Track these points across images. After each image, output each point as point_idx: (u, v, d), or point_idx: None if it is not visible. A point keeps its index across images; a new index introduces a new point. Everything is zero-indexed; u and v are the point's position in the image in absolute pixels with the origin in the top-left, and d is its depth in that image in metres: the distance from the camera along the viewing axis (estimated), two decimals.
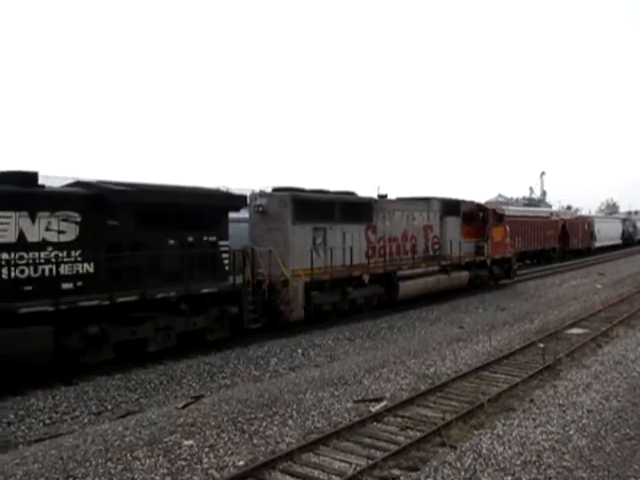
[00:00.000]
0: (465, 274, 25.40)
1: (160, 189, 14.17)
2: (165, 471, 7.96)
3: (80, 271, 12.07)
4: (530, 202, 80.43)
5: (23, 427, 9.85)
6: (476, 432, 9.23)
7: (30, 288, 11.25)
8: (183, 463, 8.21)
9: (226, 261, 15.02)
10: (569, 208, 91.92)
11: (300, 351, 15.16)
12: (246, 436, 9.17)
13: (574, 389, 11.56)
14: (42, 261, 11.49)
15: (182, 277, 13.76)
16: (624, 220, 69.12)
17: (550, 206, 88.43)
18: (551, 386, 11.73)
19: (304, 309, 17.08)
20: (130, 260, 12.75)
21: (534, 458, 8.35)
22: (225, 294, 14.91)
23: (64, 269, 11.82)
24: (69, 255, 11.91)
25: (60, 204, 11.86)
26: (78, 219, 12.09)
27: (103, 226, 12.50)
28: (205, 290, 14.32)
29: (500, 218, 28.14)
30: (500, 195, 78.11)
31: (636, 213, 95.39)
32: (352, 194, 20.51)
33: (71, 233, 12.01)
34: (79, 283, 12.02)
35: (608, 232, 58.16)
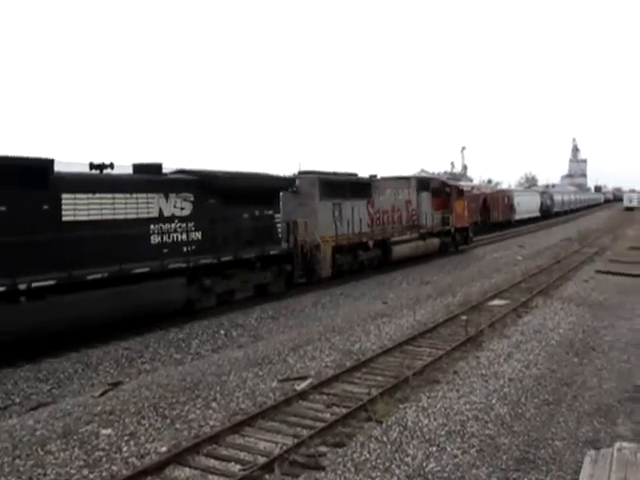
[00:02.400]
0: (437, 241, 30.72)
1: (240, 175, 18.76)
2: (81, 463, 7.75)
3: (194, 238, 16.22)
4: (452, 176, 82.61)
5: None
6: (401, 406, 9.48)
7: (167, 250, 15.35)
8: (101, 453, 8.03)
9: (279, 229, 19.46)
10: (489, 182, 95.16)
11: (223, 332, 15.08)
12: (168, 421, 9.07)
13: (496, 359, 12.05)
14: (173, 230, 15.65)
15: (256, 242, 18.24)
16: (542, 193, 71.88)
17: (471, 180, 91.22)
18: (474, 357, 12.18)
19: (331, 268, 22.09)
20: (223, 230, 17.15)
21: (458, 428, 8.68)
22: (283, 255, 19.53)
23: (186, 236, 16.02)
24: (187, 226, 16.06)
25: (181, 187, 15.97)
26: (192, 198, 16.10)
27: (206, 203, 16.55)
28: (273, 252, 18.92)
29: (461, 193, 33.90)
30: (423, 170, 79.74)
31: (553, 186, 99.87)
32: (355, 175, 25.68)
33: (187, 209, 16.03)
34: (194, 247, 16.18)
35: (527, 205, 60.41)
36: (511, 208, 54.57)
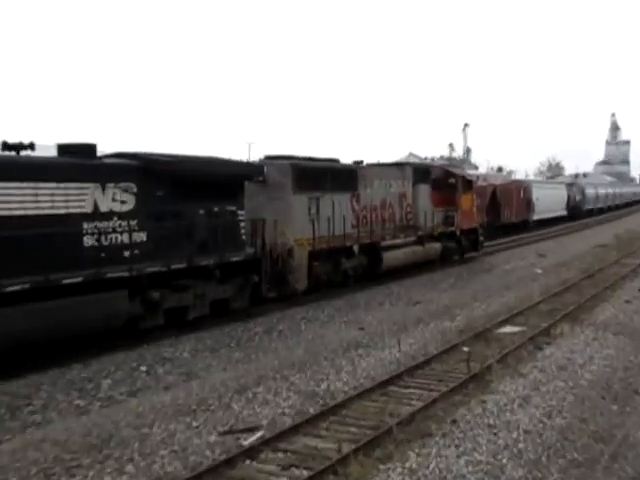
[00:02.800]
0: (438, 246, 31.06)
1: (195, 159, 19.33)
2: None
3: (137, 240, 16.78)
4: (450, 162, 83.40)
5: None
6: (382, 467, 9.48)
7: (104, 255, 15.87)
8: None
9: (243, 230, 19.96)
10: (500, 170, 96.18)
11: (144, 368, 14.95)
12: None
13: (508, 405, 12.14)
14: (111, 230, 16.32)
15: (214, 246, 18.62)
16: (570, 185, 72.15)
17: (476, 168, 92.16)
18: (478, 402, 12.25)
19: (307, 279, 22.36)
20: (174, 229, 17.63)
21: None
22: (247, 263, 19.89)
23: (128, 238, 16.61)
24: (129, 225, 16.76)
25: (121, 175, 16.59)
26: (134, 190, 16.67)
27: (152, 196, 17.18)
28: (235, 258, 19.31)
29: (469, 185, 34.06)
30: (412, 154, 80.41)
31: (585, 176, 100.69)
32: (337, 161, 26.20)
33: (130, 203, 16.71)
34: (137, 251, 16.75)
35: (550, 201, 61.10)
36: (528, 205, 55.15)
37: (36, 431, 11.29)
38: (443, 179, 32.22)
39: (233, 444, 10.43)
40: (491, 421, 11.32)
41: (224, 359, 15.89)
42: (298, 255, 21.65)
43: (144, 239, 16.76)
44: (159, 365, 15.26)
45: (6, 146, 14.72)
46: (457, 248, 33.16)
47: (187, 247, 17.74)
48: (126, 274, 16.10)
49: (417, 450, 10.05)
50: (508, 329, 18.28)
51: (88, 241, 15.50)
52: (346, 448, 9.95)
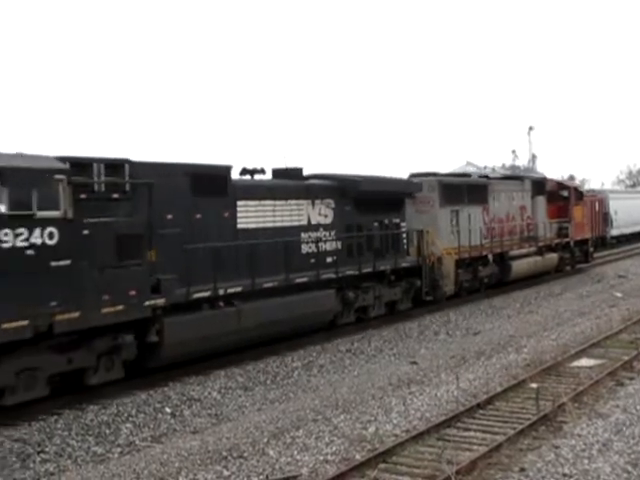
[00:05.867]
0: (555, 256, 35.79)
1: (376, 179, 25.42)
2: None
3: (335, 247, 22.58)
4: (514, 171, 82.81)
5: None
6: None
7: (314, 260, 21.70)
8: None
9: (404, 240, 25.55)
10: (572, 179, 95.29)
11: (168, 410, 15.04)
12: None
13: (585, 450, 11.94)
14: (319, 239, 22.25)
15: (385, 253, 24.19)
16: None
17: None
18: (550, 447, 12.08)
19: (454, 285, 27.63)
20: (357, 239, 23.43)
21: None
22: (411, 269, 25.26)
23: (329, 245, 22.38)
24: (329, 234, 22.60)
25: (324, 193, 22.52)
26: (333, 205, 22.68)
27: (344, 210, 23.20)
28: (404, 264, 24.82)
29: (580, 196, 39.32)
30: (469, 163, 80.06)
31: None
32: (469, 176, 33.37)
33: (330, 216, 22.52)
34: (335, 257, 22.32)
35: (632, 214, 59.98)
36: (605, 218, 54.45)
37: None
38: (556, 191, 37.27)
39: None
40: (566, 470, 11.11)
41: (258, 398, 15.94)
42: (447, 263, 26.70)
43: (339, 247, 22.45)
44: (185, 406, 15.34)
45: (245, 171, 20.68)
46: (571, 259, 38.04)
47: (367, 254, 23.22)
48: (333, 276, 21.59)
49: None
50: (584, 362, 18.08)
51: (305, 248, 21.28)
52: None
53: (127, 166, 16.47)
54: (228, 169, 19.40)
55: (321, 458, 11.86)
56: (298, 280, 20.34)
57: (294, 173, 22.29)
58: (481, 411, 14.21)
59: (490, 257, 30.16)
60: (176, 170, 17.91)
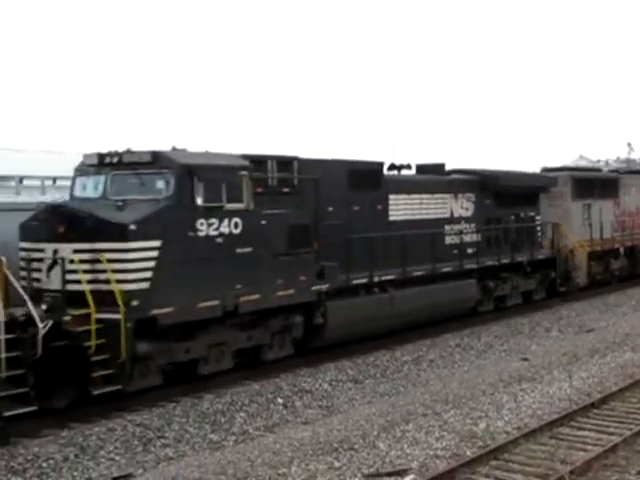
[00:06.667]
0: None
1: (515, 174, 27.67)
2: None
3: (475, 239, 23.99)
4: (629, 165, 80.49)
5: None
6: None
7: (456, 252, 23.23)
8: None
9: (539, 233, 26.87)
10: None
11: (280, 401, 15.26)
12: None
13: None
14: (460, 231, 23.70)
15: (520, 245, 25.44)
16: None
17: None
18: None
19: (587, 277, 28.96)
20: (495, 231, 24.94)
21: None
22: (545, 261, 26.67)
23: (469, 237, 23.84)
24: (470, 227, 23.93)
25: (466, 187, 23.94)
26: (473, 199, 24.17)
27: (483, 204, 24.56)
28: (540, 256, 26.36)
29: None
30: (582, 157, 78.14)
31: None
32: (600, 170, 34.62)
33: (470, 210, 24.00)
34: (475, 248, 23.70)
35: None
36: None
37: (169, 466, 11.72)
38: None
39: None
40: None
41: (368, 391, 16.03)
42: (579, 255, 28.06)
43: (479, 239, 23.77)
44: (297, 397, 15.53)
45: (393, 166, 22.10)
46: None
47: (505, 246, 24.54)
48: (475, 266, 22.94)
49: None
50: None
51: (448, 239, 22.65)
52: None
53: (296, 163, 18.20)
54: (381, 165, 21.14)
55: (431, 453, 11.82)
56: (444, 269, 21.86)
57: (437, 168, 23.57)
58: (595, 410, 13.95)
59: (621, 250, 31.35)
60: (336, 166, 19.48)
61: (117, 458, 12.25)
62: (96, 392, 13.88)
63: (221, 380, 16.22)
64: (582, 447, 11.98)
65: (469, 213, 23.68)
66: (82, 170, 16.32)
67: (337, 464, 11.39)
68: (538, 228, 26.92)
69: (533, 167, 34.00)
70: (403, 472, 11.01)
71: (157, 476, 11.15)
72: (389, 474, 10.98)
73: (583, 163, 65.11)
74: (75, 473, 11.66)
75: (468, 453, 11.73)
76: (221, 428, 13.72)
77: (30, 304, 13.28)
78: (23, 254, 14.98)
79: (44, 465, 11.90)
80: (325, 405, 15.08)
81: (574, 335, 21.77)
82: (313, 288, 17.86)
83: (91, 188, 16.04)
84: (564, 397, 14.86)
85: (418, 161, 24.29)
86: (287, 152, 18.78)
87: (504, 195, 24.79)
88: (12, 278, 13.50)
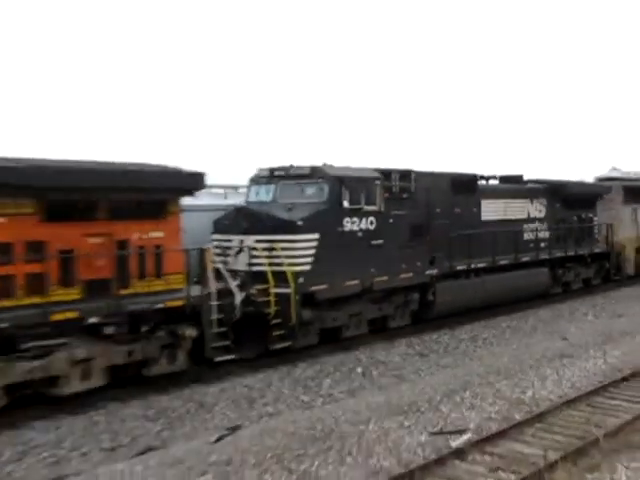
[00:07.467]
0: None
1: (577, 183, 28.87)
2: None
3: (546, 235, 24.70)
4: None
5: (21, 467, 10.02)
6: (590, 476, 9.06)
7: (532, 245, 24.01)
8: None
9: (596, 230, 27.77)
10: None
11: (360, 370, 15.26)
12: (294, 478, 9.22)
13: None
14: (535, 229, 24.40)
15: (582, 241, 26.37)
16: None
17: None
18: None
19: (634, 268, 29.81)
20: (563, 229, 25.63)
21: None
22: (601, 254, 27.59)
23: (542, 234, 24.60)
24: (542, 225, 24.73)
25: (539, 194, 24.76)
26: (545, 203, 25.03)
27: (554, 207, 25.49)
28: (597, 250, 27.22)
29: None
30: (614, 169, 76.11)
31: None
32: None
33: (542, 212, 24.80)
34: (547, 243, 24.61)
35: None
36: None
37: (269, 421, 11.85)
38: None
39: (442, 444, 10.33)
40: None
41: (432, 364, 15.93)
42: (628, 250, 29.06)
43: (550, 235, 24.62)
44: (373, 368, 15.51)
45: (482, 177, 22.83)
46: None
47: (569, 241, 25.57)
48: (547, 257, 23.98)
49: (626, 463, 9.45)
50: None
51: (526, 236, 23.51)
52: (552, 455, 9.59)
53: (413, 174, 19.07)
54: (476, 176, 22.28)
55: (485, 416, 11.70)
56: (523, 259, 22.86)
57: (516, 178, 24.54)
58: (626, 383, 13.58)
59: None
60: (442, 177, 20.58)
61: (228, 413, 12.47)
62: (272, 348, 15.47)
63: (313, 352, 16.32)
64: (614, 414, 11.68)
65: (542, 214, 24.52)
66: (256, 180, 17.86)
67: (407, 423, 11.34)
68: (595, 227, 27.72)
69: (567, 176, 33.07)
70: (462, 431, 10.93)
71: (260, 428, 11.25)
72: (450, 432, 10.90)
73: (616, 174, 63.47)
74: (196, 424, 11.92)
75: (517, 417, 11.56)
76: (311, 391, 13.79)
77: (230, 280, 15.11)
78: (216, 243, 16.39)
79: (172, 416, 12.25)
80: (397, 374, 15.03)
81: (608, 319, 21.26)
82: (427, 272, 19.14)
83: (263, 194, 17.48)
84: (599, 372, 14.51)
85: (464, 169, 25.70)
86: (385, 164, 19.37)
87: (569, 200, 25.74)
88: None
